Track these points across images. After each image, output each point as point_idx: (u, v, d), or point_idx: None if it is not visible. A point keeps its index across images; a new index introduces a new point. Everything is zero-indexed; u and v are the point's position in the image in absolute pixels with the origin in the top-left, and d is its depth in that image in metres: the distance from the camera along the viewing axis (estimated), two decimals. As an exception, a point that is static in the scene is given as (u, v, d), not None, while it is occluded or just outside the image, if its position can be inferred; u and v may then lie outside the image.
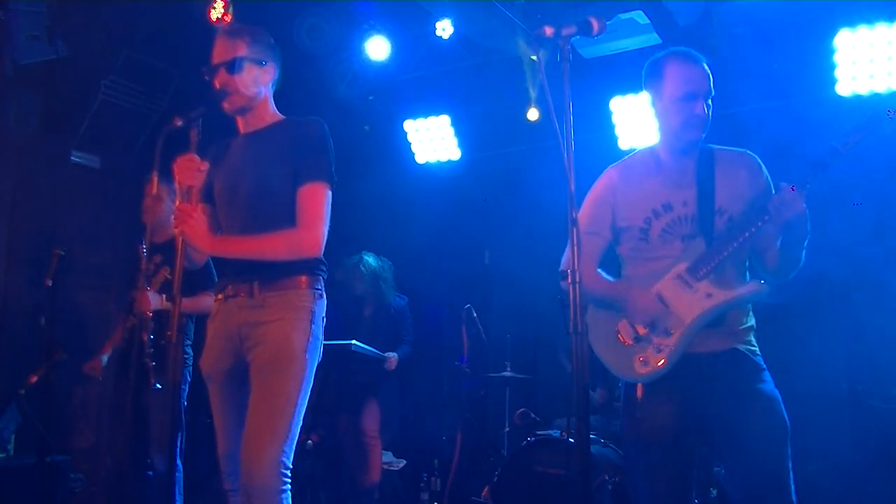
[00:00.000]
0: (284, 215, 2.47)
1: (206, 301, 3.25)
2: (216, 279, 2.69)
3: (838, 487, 4.34)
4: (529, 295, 5.65)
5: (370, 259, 5.19)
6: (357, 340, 4.58)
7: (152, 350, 3.54)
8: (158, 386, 3.55)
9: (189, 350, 3.87)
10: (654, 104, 2.49)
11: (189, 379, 3.78)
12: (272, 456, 2.30)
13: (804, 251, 2.35)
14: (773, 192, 2.42)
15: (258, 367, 2.41)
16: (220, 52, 2.57)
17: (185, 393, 3.75)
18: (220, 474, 2.51)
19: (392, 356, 4.94)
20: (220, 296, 2.56)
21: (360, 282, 5.14)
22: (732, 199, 2.39)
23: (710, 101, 2.43)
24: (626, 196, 2.49)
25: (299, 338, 2.42)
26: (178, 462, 3.71)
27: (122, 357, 3.95)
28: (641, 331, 2.37)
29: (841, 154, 2.25)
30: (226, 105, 2.56)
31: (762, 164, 2.47)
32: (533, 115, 5.64)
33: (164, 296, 3.70)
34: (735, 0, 4.82)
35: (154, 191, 3.97)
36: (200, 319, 3.10)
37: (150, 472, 3.79)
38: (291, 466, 2.36)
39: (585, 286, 2.08)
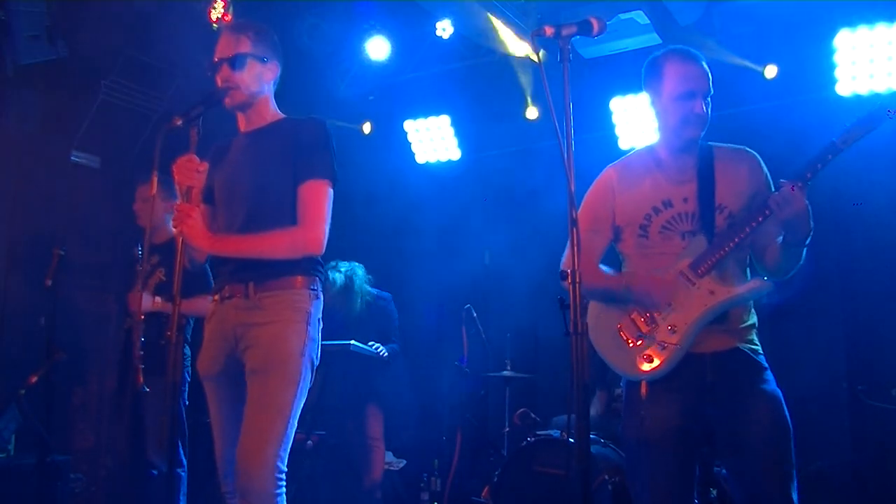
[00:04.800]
0: (285, 214, 2.46)
1: (203, 303, 3.24)
2: (213, 282, 2.68)
3: (838, 487, 4.34)
4: (529, 295, 5.65)
5: (335, 275, 4.91)
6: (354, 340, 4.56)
7: (143, 353, 3.54)
8: (146, 389, 3.54)
9: (187, 350, 3.87)
10: (653, 102, 2.49)
11: (188, 379, 3.78)
12: (267, 459, 2.29)
13: (806, 249, 2.33)
14: (773, 189, 2.42)
15: (252, 369, 2.39)
16: (224, 47, 2.56)
17: (185, 393, 3.75)
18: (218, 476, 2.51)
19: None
20: (216, 297, 2.54)
21: (332, 298, 4.95)
22: (732, 195, 2.39)
23: (709, 100, 2.43)
24: (626, 194, 2.49)
25: (294, 340, 2.40)
26: (184, 461, 3.71)
27: (122, 358, 3.94)
28: (645, 328, 2.37)
29: (840, 150, 2.24)
30: (227, 101, 2.54)
31: (762, 160, 2.47)
32: (532, 113, 5.64)
33: (156, 297, 3.71)
34: (735, 0, 4.82)
35: (145, 193, 3.97)
36: (199, 320, 3.09)
37: (155, 472, 3.79)
38: (286, 469, 2.35)
39: (588, 283, 2.07)
